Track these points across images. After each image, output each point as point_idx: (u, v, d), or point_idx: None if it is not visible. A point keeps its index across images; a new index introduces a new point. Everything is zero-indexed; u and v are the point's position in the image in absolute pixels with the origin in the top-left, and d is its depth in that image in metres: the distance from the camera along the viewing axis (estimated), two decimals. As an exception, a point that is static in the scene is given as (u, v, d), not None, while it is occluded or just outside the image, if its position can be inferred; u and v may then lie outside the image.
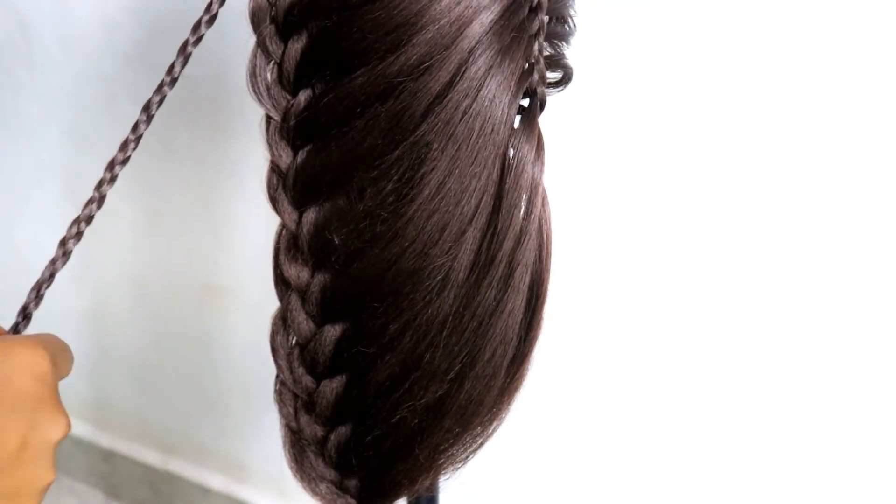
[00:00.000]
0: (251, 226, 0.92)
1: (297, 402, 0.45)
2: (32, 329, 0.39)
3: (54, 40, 0.91)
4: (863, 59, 0.62)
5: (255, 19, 0.38)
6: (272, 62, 0.39)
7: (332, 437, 0.44)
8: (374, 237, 0.38)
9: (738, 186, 0.69)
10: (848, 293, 0.69)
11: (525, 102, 0.39)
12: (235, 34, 0.86)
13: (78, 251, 0.39)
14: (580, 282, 0.77)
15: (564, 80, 0.41)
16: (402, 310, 0.39)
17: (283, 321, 0.44)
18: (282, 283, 0.43)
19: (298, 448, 0.46)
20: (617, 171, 0.72)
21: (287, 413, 0.45)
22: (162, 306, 1.05)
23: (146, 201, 0.97)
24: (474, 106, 0.36)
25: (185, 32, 0.39)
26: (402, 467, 0.43)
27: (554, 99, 0.40)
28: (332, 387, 0.42)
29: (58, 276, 0.39)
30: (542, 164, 0.39)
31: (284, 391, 0.45)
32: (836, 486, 0.76)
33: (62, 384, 0.37)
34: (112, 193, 0.39)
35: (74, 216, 0.39)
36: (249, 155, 0.87)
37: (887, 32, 0.61)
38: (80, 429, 1.17)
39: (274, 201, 0.42)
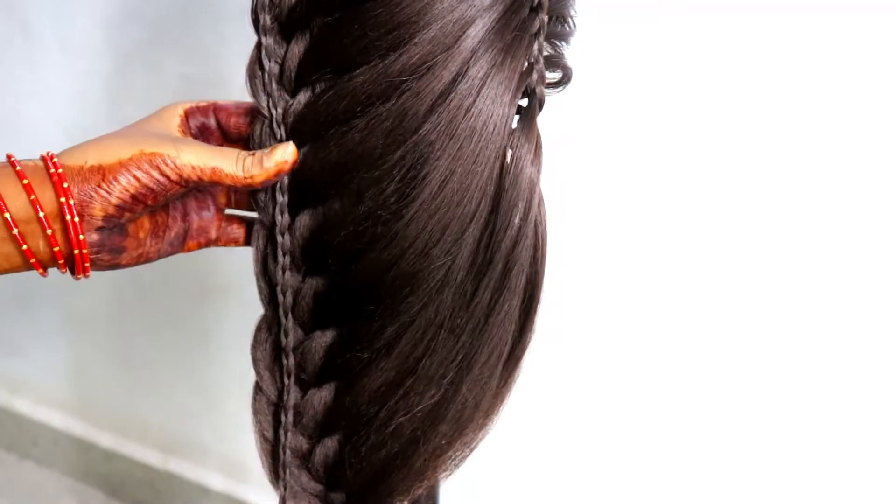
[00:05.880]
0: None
1: (276, 412, 0.44)
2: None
3: (54, 40, 0.91)
4: (862, 62, 0.62)
5: (257, 19, 0.38)
6: (273, 62, 0.39)
7: (319, 449, 0.43)
8: (373, 239, 0.37)
9: (738, 189, 0.69)
10: (843, 293, 0.69)
11: (524, 102, 0.39)
12: (235, 34, 0.86)
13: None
14: (574, 284, 0.77)
15: (563, 81, 0.41)
16: (399, 312, 0.38)
17: (267, 329, 0.44)
18: (268, 288, 0.42)
19: (275, 459, 0.45)
20: (613, 173, 0.72)
21: (263, 424, 0.44)
22: (162, 306, 1.04)
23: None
24: (476, 105, 0.36)
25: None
26: (398, 476, 0.42)
27: (551, 99, 0.40)
28: (320, 396, 0.41)
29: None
30: (540, 164, 0.39)
31: (261, 401, 0.45)
32: (836, 486, 0.76)
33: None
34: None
35: None
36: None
37: (884, 42, 0.61)
38: (80, 429, 1.17)
39: (266, 204, 0.41)
